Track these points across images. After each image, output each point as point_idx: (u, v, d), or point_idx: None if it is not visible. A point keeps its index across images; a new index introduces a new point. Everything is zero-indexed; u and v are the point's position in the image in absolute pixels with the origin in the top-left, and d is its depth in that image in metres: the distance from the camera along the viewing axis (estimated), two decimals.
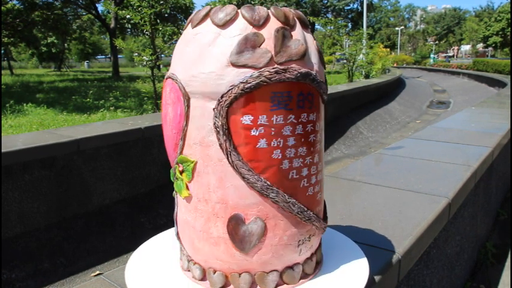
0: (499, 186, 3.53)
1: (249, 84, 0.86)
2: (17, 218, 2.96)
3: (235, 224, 0.95)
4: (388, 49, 23.43)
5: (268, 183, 0.92)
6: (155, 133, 3.84)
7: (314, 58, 0.96)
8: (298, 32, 0.93)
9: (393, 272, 1.28)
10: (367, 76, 12.41)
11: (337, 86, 9.54)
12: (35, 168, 3.05)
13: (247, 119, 0.89)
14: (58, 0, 21.81)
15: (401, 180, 2.03)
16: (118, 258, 2.97)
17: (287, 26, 0.91)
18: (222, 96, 0.87)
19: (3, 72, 22.17)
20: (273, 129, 0.89)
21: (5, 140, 3.10)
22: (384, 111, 9.53)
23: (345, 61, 13.82)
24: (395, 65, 28.56)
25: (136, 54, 6.35)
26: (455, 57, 60.59)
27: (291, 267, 1.00)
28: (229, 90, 0.87)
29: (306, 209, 0.97)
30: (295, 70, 0.89)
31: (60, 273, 2.77)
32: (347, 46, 14.94)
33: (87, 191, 3.42)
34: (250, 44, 0.88)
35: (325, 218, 1.09)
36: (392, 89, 12.14)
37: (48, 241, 3.03)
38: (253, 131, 0.89)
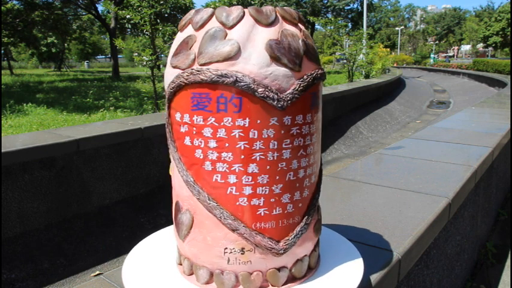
0: (499, 186, 3.53)
1: (173, 84, 0.93)
2: (17, 218, 2.96)
3: (176, 210, 1.03)
4: (388, 49, 23.41)
5: (192, 179, 0.95)
6: (155, 133, 3.83)
7: (256, 59, 0.87)
8: (238, 32, 0.88)
9: (393, 272, 1.27)
10: (367, 76, 12.41)
11: (337, 86, 9.53)
12: (35, 168, 3.05)
13: (177, 116, 0.96)
14: (58, 0, 21.81)
15: (402, 180, 2.03)
16: (118, 259, 2.97)
17: (224, 25, 0.89)
18: (166, 93, 0.98)
19: (3, 72, 22.17)
20: (194, 128, 0.92)
21: (5, 140, 3.10)
22: (384, 111, 9.52)
23: (345, 61, 13.83)
24: (395, 65, 28.55)
25: (136, 54, 6.34)
26: (455, 57, 60.58)
27: (221, 271, 0.98)
28: (167, 88, 0.97)
29: (233, 218, 0.94)
30: (209, 72, 0.87)
31: (60, 273, 2.77)
32: (347, 46, 14.94)
33: (87, 191, 3.42)
34: (184, 46, 0.93)
35: (290, 240, 0.97)
36: (392, 89, 12.13)
37: (48, 241, 3.03)
38: (182, 128, 0.95)
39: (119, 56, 24.63)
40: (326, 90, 7.63)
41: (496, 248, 3.01)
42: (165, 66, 1.03)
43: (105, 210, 3.50)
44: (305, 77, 0.92)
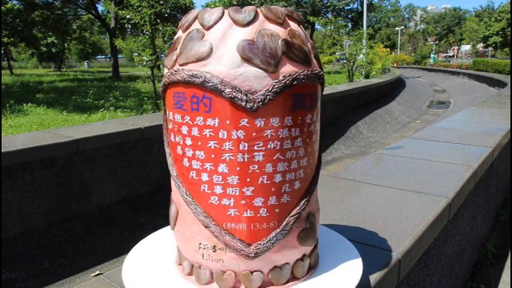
0: (499, 186, 3.52)
1: (162, 83, 0.98)
2: (17, 218, 2.96)
3: (170, 202, 1.08)
4: (388, 49, 23.40)
5: (175, 174, 1.00)
6: (155, 133, 3.83)
7: (226, 60, 0.87)
8: (214, 33, 0.89)
9: (393, 272, 1.27)
10: (367, 76, 12.40)
11: (337, 86, 9.53)
12: (35, 169, 3.05)
13: (167, 113, 1.00)
14: (58, 0, 21.80)
15: (402, 180, 2.03)
16: (118, 259, 2.97)
17: (203, 27, 0.91)
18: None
19: (3, 72, 22.16)
20: (176, 126, 0.96)
21: (5, 140, 3.10)
22: (384, 111, 9.52)
23: (345, 61, 13.81)
24: (395, 65, 28.54)
25: (136, 54, 6.34)
26: (455, 57, 60.54)
27: (198, 266, 1.01)
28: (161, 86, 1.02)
29: (205, 215, 0.95)
30: (183, 72, 0.90)
31: (60, 273, 2.77)
32: (347, 46, 14.94)
33: (87, 191, 3.42)
34: (172, 47, 0.98)
35: (262, 245, 0.95)
36: (392, 89, 12.13)
37: (48, 241, 3.03)
38: (169, 124, 0.99)
39: (119, 56, 24.61)
40: (326, 90, 7.62)
41: (496, 248, 3.01)
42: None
43: (105, 210, 3.50)
44: (281, 77, 0.88)
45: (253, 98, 0.87)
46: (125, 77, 18.68)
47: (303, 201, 0.99)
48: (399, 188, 1.92)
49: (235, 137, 0.89)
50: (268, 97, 0.87)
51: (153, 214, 3.62)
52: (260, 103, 0.87)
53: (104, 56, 53.06)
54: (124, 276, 1.07)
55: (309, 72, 0.92)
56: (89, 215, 3.39)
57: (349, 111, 8.20)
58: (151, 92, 6.63)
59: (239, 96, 0.86)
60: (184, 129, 0.93)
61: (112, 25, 19.75)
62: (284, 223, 0.96)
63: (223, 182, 0.92)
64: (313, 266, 1.08)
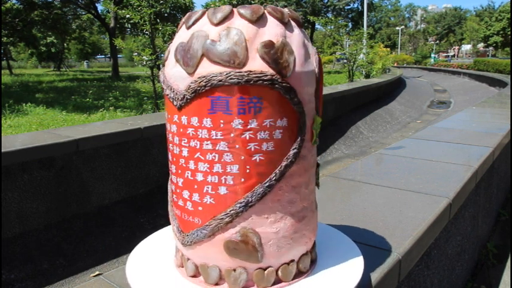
0: (500, 186, 3.52)
1: None
2: (16, 219, 2.95)
3: None
4: (389, 49, 23.39)
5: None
6: (155, 133, 3.83)
7: (170, 61, 0.97)
8: (176, 37, 0.99)
9: (393, 272, 1.27)
10: (367, 76, 12.39)
11: (337, 85, 9.52)
12: (34, 169, 3.04)
13: None
14: (57, 0, 21.79)
15: (402, 181, 2.02)
16: (117, 259, 2.96)
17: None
18: None
19: (2, 72, 22.15)
20: None
21: (4, 140, 3.09)
22: (385, 111, 9.51)
23: (345, 61, 13.79)
24: (395, 64, 28.52)
25: (135, 54, 6.34)
26: (456, 57, 60.52)
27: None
28: None
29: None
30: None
31: (59, 273, 2.76)
32: (347, 46, 14.92)
33: (87, 191, 3.41)
34: None
35: (187, 237, 0.98)
36: (392, 89, 12.12)
37: (48, 241, 3.02)
38: None
39: (118, 55, 24.58)
40: (326, 90, 7.62)
41: (497, 249, 3.00)
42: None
43: (104, 210, 3.49)
44: (197, 78, 0.88)
45: (176, 97, 0.94)
46: (124, 77, 18.68)
47: (230, 210, 0.92)
48: (399, 188, 1.91)
49: (172, 130, 0.99)
50: (186, 97, 0.92)
51: (153, 214, 3.61)
52: (181, 101, 0.93)
53: (103, 56, 53.10)
54: (128, 275, 1.07)
55: (230, 74, 0.85)
56: (89, 215, 3.38)
57: (349, 111, 8.20)
58: (151, 91, 6.62)
59: (169, 94, 0.96)
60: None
61: (112, 25, 19.73)
62: (206, 224, 0.95)
63: (170, 169, 1.04)
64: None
